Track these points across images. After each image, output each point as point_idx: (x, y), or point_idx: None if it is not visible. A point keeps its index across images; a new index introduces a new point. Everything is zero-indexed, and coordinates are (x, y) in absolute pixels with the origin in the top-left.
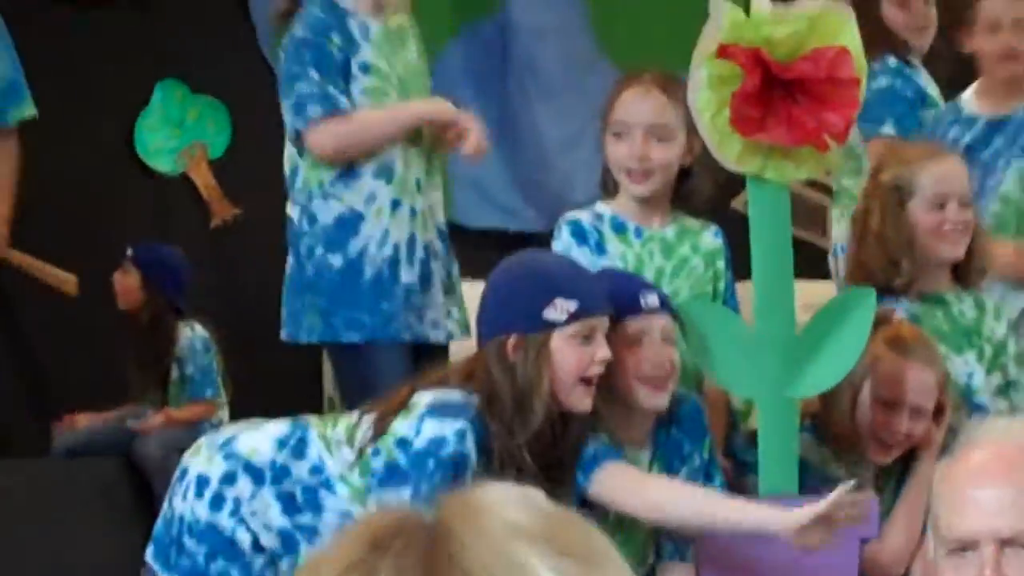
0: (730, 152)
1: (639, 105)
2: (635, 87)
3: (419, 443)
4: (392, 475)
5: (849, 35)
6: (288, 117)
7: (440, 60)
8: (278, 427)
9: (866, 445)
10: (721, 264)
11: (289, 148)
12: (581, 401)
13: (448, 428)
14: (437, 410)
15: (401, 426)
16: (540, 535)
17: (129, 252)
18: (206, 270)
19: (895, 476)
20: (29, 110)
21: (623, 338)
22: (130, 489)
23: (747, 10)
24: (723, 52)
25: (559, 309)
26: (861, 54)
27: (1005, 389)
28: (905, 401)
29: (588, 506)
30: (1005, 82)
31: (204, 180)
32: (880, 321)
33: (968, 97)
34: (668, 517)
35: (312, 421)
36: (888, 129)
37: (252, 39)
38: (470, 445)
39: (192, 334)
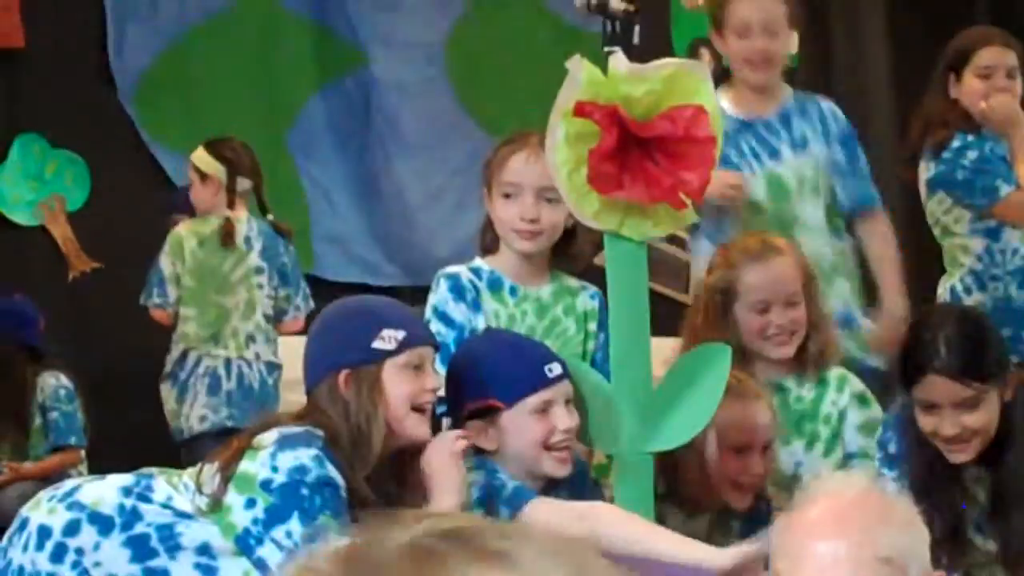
0: (588, 209)
1: (530, 167)
2: (525, 149)
3: (281, 477)
4: (272, 517)
5: (706, 94)
6: None
7: (303, 115)
8: (121, 477)
9: (722, 492)
10: (594, 326)
11: None
12: (417, 428)
13: (303, 455)
14: (287, 443)
15: (253, 467)
16: None
17: None
18: (63, 322)
19: (735, 523)
20: None
21: (529, 411)
22: None
23: (605, 68)
24: (580, 110)
25: (387, 339)
26: (717, 113)
27: (845, 463)
28: (756, 442)
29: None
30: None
31: (62, 233)
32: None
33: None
34: (603, 545)
35: (155, 471)
36: (1007, 188)
37: (112, 94)
38: (331, 469)
39: (56, 383)
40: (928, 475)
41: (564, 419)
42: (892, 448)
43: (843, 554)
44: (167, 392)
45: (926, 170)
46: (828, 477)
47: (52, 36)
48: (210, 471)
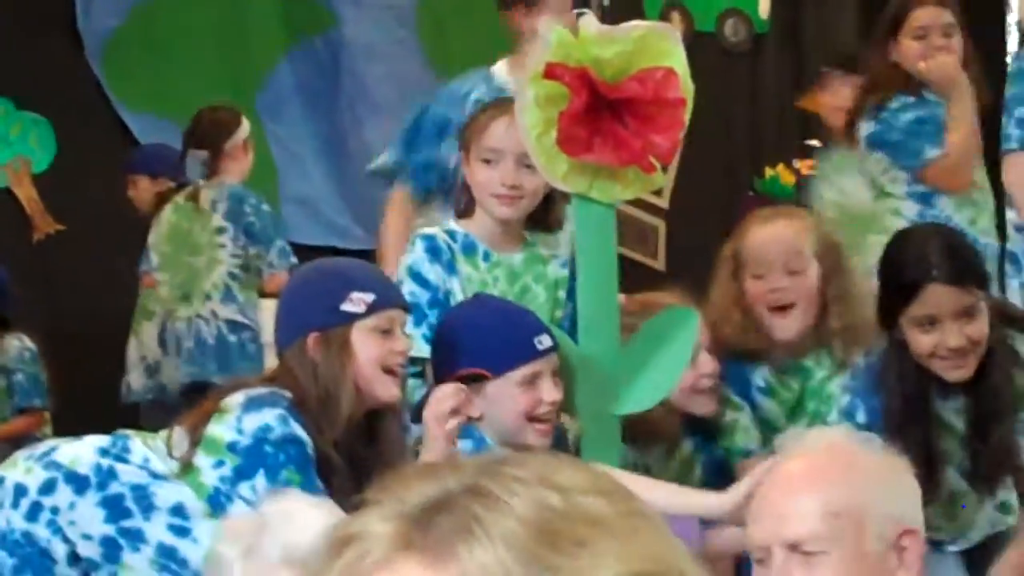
0: (557, 171)
1: (511, 133)
2: (507, 115)
3: (246, 439)
4: (239, 476)
5: (676, 56)
6: None
7: (271, 77)
8: (99, 438)
9: (685, 405)
10: (562, 294)
11: None
12: (386, 390)
13: (268, 415)
14: (252, 404)
15: (219, 430)
16: None
17: None
18: (27, 284)
19: (675, 456)
20: None
21: (517, 383)
22: None
23: (575, 30)
24: (550, 72)
25: (356, 302)
26: (688, 75)
27: None
28: (700, 344)
29: None
30: None
31: (27, 194)
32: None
33: None
34: None
35: (132, 433)
36: (933, 152)
37: (79, 54)
38: (295, 427)
39: (20, 344)
40: (906, 413)
41: (551, 391)
42: (860, 417)
43: (792, 509)
44: (155, 354)
45: (864, 130)
46: (804, 433)
47: None
48: (180, 434)
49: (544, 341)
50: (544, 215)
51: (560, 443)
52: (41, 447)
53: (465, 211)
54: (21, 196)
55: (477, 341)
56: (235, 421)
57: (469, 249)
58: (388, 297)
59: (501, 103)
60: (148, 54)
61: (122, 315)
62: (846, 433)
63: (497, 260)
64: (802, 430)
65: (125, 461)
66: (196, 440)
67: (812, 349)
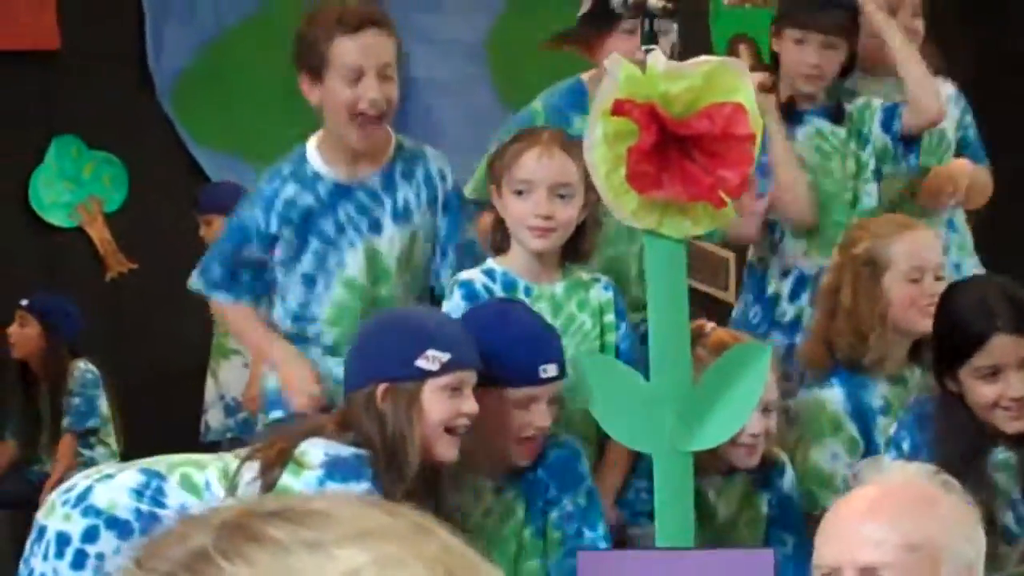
0: (626, 208)
1: (543, 164)
2: (538, 146)
3: None
4: None
5: (744, 91)
6: None
7: None
8: (130, 477)
9: (726, 453)
10: (611, 317)
11: None
12: (448, 451)
13: (353, 491)
14: (336, 470)
15: (297, 486)
16: None
17: (24, 303)
18: (100, 323)
19: (735, 487)
20: None
21: (512, 401)
22: None
23: (643, 66)
24: (619, 108)
25: (431, 359)
26: (756, 110)
27: None
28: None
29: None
30: None
31: (99, 234)
32: (696, 336)
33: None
34: None
35: (164, 468)
36: None
37: (150, 94)
38: None
39: (84, 367)
40: (960, 466)
41: (543, 416)
42: (905, 446)
43: (871, 534)
44: (234, 392)
45: None
46: (883, 464)
47: (87, 37)
48: (251, 471)
49: (549, 370)
50: (577, 245)
51: (572, 462)
52: (76, 489)
53: (501, 247)
54: (94, 236)
55: (485, 350)
56: (316, 483)
57: (510, 287)
58: (463, 357)
59: (530, 133)
60: (218, 92)
61: (196, 354)
62: (927, 471)
63: (539, 293)
64: (881, 460)
65: (162, 506)
66: (269, 486)
67: (908, 365)
